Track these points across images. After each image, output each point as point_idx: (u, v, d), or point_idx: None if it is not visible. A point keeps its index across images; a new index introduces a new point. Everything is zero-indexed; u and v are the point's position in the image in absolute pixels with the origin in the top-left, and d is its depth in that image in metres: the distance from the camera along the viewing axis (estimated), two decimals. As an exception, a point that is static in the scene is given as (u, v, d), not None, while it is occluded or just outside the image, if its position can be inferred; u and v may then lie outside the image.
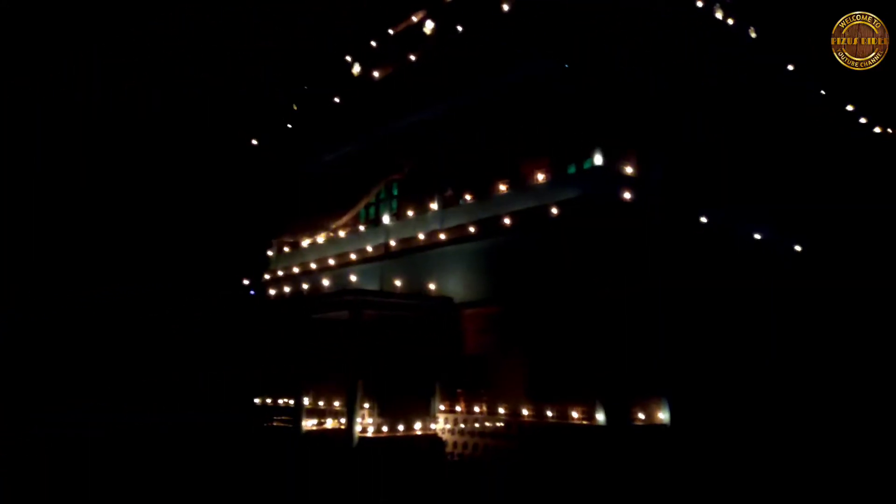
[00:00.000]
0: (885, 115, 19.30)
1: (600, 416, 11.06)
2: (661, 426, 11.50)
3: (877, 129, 18.35)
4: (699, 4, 14.76)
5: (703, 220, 13.18)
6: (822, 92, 17.87)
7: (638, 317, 11.77)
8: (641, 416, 11.49)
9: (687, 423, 11.60)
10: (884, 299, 16.00)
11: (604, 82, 13.19)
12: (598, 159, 12.33)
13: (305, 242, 19.09)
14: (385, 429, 13.33)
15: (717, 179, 14.20)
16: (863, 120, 18.23)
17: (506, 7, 14.49)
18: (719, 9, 15.43)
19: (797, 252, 15.19)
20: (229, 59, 26.20)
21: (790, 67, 16.53)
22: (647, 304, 11.93)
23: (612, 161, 12.49)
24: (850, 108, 18.09)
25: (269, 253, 20.05)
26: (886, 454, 12.39)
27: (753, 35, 16.39)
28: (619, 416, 11.11)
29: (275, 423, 14.77)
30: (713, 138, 14.57)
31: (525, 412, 12.28)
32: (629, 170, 12.71)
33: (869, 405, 14.10)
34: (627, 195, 12.12)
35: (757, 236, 14.29)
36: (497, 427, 12.57)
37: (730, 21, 15.31)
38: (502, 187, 13.99)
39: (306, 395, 14.17)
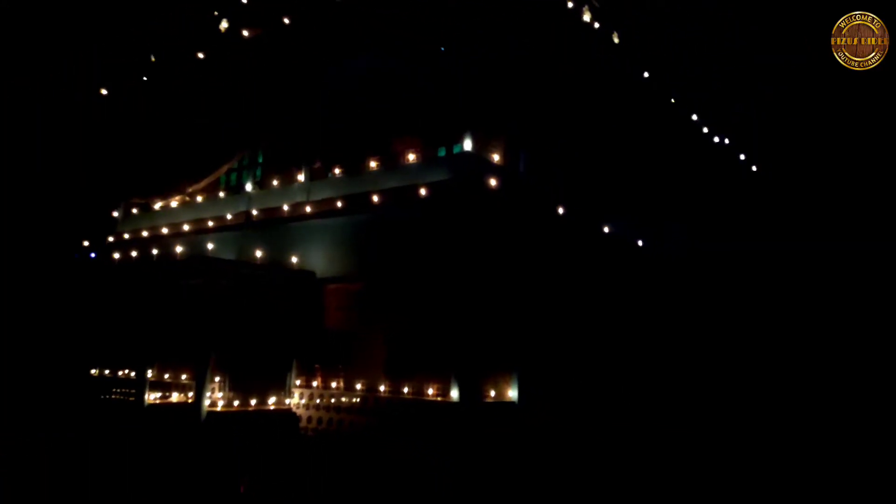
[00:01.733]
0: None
1: (454, 393, 11.45)
2: (511, 403, 12.13)
3: (716, 140, 20.23)
4: (570, 5, 15.45)
5: (561, 210, 13.94)
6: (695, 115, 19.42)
7: (494, 299, 12.29)
8: (493, 393, 12.04)
9: (533, 401, 12.32)
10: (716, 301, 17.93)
11: (480, 71, 13.52)
12: (467, 144, 12.62)
13: (158, 205, 17.88)
14: (237, 403, 12.91)
15: (579, 174, 15.10)
16: (716, 139, 20.05)
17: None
18: (587, 11, 16.27)
19: (640, 246, 16.52)
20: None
21: (646, 75, 17.80)
22: (504, 288, 12.49)
23: (481, 148, 12.85)
24: (705, 129, 19.75)
25: (115, 214, 18.54)
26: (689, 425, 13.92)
27: (616, 40, 17.45)
28: (472, 392, 11.57)
29: (113, 397, 13.80)
30: (578, 136, 15.44)
31: (382, 388, 12.42)
32: (497, 157, 13.14)
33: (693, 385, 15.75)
34: (493, 182, 12.54)
35: (606, 230, 15.35)
36: (353, 402, 12.62)
37: (596, 24, 16.19)
38: (373, 164, 13.92)
39: (150, 368, 13.38)
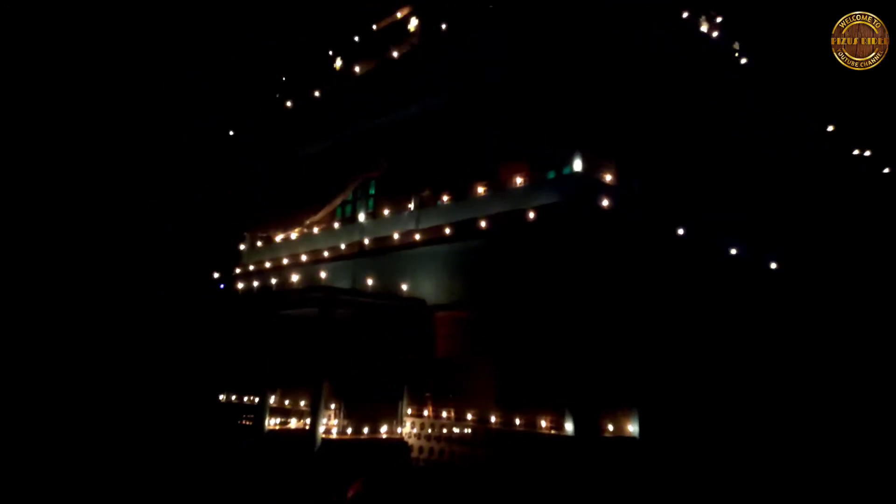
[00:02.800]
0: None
1: (569, 426, 10.86)
2: (631, 438, 11.34)
3: (856, 152, 18.45)
4: (685, 15, 14.69)
5: (681, 231, 13.07)
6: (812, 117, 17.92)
7: (611, 327, 11.62)
8: (611, 427, 11.32)
9: (656, 437, 11.46)
10: (855, 317, 16.11)
11: (587, 88, 13.06)
12: (577, 165, 12.16)
13: (279, 237, 18.70)
14: (350, 430, 13.01)
15: (694, 192, 14.15)
16: (841, 142, 18.33)
17: (491, 5, 14.31)
18: (704, 21, 15.41)
19: (771, 269, 15.17)
20: (210, 51, 25.73)
21: (770, 83, 16.56)
22: (621, 315, 11.79)
23: (592, 168, 12.33)
24: (830, 128, 18.16)
25: (242, 247, 19.61)
26: (857, 466, 12.37)
27: (737, 49, 16.39)
28: (588, 426, 10.92)
29: (238, 422, 14.35)
30: (692, 152, 14.52)
31: (493, 419, 12.04)
32: (608, 178, 12.57)
33: (839, 418, 14.12)
34: (606, 203, 11.97)
35: (733, 251, 14.23)
36: (464, 433, 12.31)
37: (714, 34, 15.28)
38: (480, 189, 13.77)
39: (272, 394, 13.79)
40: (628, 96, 13.32)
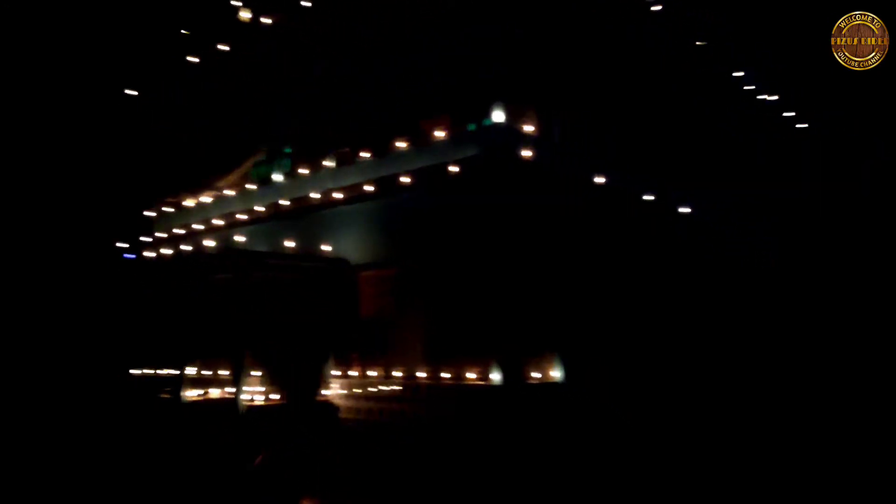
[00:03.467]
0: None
1: (496, 376, 10.96)
2: (554, 383, 11.57)
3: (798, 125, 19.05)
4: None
5: (601, 180, 13.24)
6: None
7: (533, 276, 11.73)
8: (536, 374, 11.50)
9: (579, 380, 11.74)
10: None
11: (504, 39, 12.92)
12: (497, 116, 12.04)
13: (189, 202, 17.78)
14: (275, 396, 12.67)
15: (618, 143, 14.35)
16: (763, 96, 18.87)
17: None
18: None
19: (688, 214, 15.66)
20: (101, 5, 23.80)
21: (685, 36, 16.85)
22: (543, 264, 11.91)
23: (513, 118, 12.25)
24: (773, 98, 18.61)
25: (150, 214, 18.55)
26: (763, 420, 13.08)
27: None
28: (513, 374, 11.09)
29: (153, 395, 13.75)
30: (612, 100, 14.67)
31: (423, 375, 12.01)
32: (529, 127, 12.51)
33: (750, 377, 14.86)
34: (527, 153, 11.94)
35: (648, 197, 14.57)
36: (393, 391, 12.25)
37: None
38: (401, 144, 13.45)
39: (191, 364, 13.27)
40: (547, 43, 13.25)
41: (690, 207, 15.53)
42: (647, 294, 14.00)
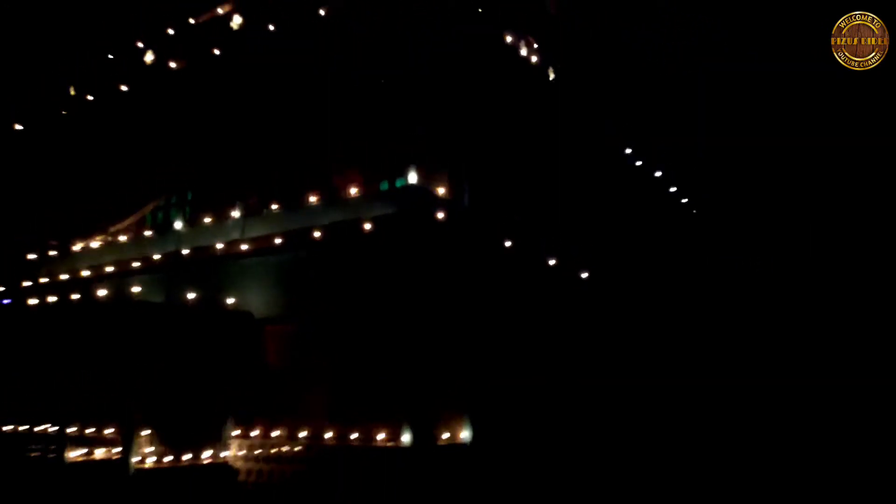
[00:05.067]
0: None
1: (406, 437, 10.93)
2: (463, 445, 11.69)
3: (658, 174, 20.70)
4: (508, 40, 15.55)
5: (508, 243, 13.77)
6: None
7: (443, 336, 11.90)
8: (445, 435, 11.58)
9: (486, 442, 11.92)
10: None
11: (419, 102, 13.32)
12: (412, 177, 12.35)
13: (78, 246, 16.72)
14: (167, 459, 11.94)
15: (521, 206, 15.01)
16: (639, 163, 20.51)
17: (322, 12, 14.06)
18: (524, 46, 16.42)
19: (584, 277, 16.53)
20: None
21: (583, 111, 18.09)
22: (453, 324, 12.13)
23: (426, 181, 12.61)
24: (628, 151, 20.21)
25: (31, 256, 17.21)
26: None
27: (552, 76, 17.69)
28: (423, 436, 11.09)
29: (32, 455, 12.56)
30: (517, 169, 15.40)
31: (329, 435, 11.76)
32: (441, 191, 12.91)
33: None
34: (440, 215, 12.26)
35: (552, 262, 15.28)
36: (296, 452, 11.89)
37: (534, 59, 16.35)
38: (313, 199, 13.44)
39: (73, 422, 12.28)
40: (461, 112, 13.80)
41: (589, 272, 16.43)
42: (552, 353, 14.53)
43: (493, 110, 14.75)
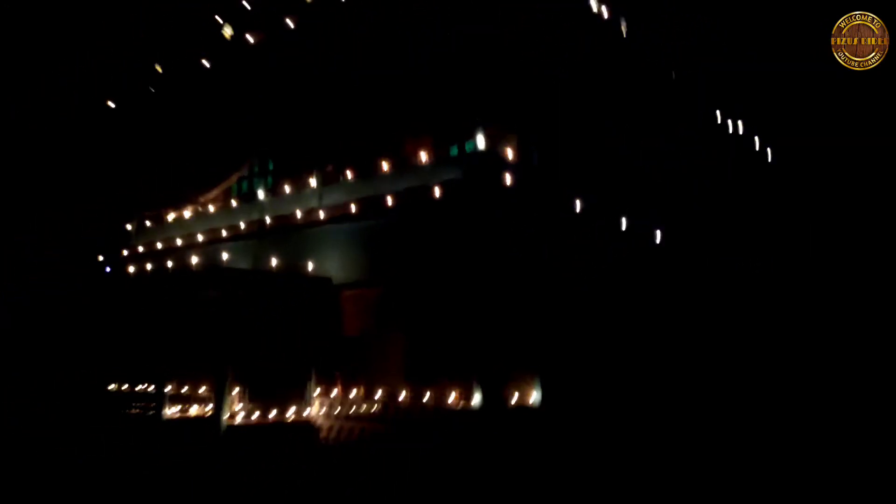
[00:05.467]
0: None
1: (476, 399, 11.17)
2: (533, 408, 11.81)
3: (755, 139, 19.74)
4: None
5: (579, 204, 13.56)
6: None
7: (515, 299, 11.98)
8: (515, 397, 11.74)
9: (556, 405, 11.99)
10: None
11: (486, 66, 13.18)
12: (479, 141, 12.33)
13: (171, 216, 17.78)
14: (256, 415, 12.74)
15: (595, 168, 14.69)
16: (729, 122, 19.54)
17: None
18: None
19: (658, 243, 16.07)
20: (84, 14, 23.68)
21: (660, 63, 17.35)
22: (523, 286, 12.17)
23: (494, 143, 12.55)
24: (718, 113, 19.25)
25: (129, 227, 18.48)
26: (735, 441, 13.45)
27: (625, 28, 17.01)
28: (493, 398, 11.28)
29: (132, 412, 13.70)
30: (588, 129, 15.03)
31: (403, 395, 12.18)
32: (510, 154, 12.81)
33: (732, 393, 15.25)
34: (508, 178, 12.22)
35: (625, 224, 14.94)
36: (374, 411, 12.40)
37: (605, 14, 15.77)
38: (385, 166, 13.68)
39: (170, 382, 13.28)
40: (527, 72, 13.56)
41: (663, 235, 15.96)
42: (625, 315, 14.33)
43: (564, 69, 14.42)
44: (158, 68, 18.37)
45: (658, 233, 16.00)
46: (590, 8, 15.29)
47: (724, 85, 19.74)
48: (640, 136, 16.61)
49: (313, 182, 14.84)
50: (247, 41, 17.01)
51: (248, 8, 17.63)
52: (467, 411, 11.17)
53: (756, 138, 20.65)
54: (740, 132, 19.94)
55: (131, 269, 17.10)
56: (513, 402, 11.70)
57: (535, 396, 11.81)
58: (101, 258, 18.11)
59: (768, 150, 21.24)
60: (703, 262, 17.09)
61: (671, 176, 17.30)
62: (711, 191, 18.49)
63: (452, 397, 11.52)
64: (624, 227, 14.84)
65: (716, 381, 15.29)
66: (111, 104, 18.57)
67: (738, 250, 18.19)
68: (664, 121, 17.51)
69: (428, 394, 11.87)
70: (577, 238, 13.54)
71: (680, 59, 18.34)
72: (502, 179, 12.18)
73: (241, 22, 17.54)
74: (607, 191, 14.85)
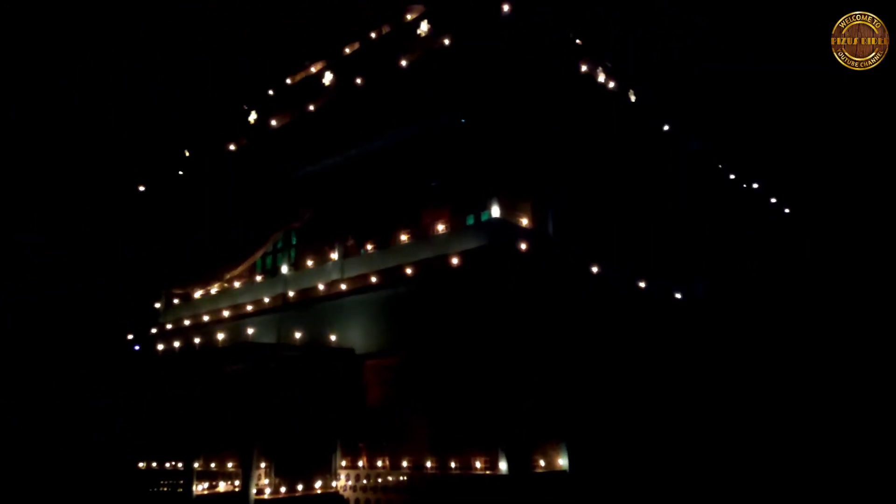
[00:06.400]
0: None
1: (503, 465, 11.15)
2: (561, 472, 11.74)
3: (751, 186, 20.12)
4: (583, 69, 15.79)
5: (595, 269, 13.83)
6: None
7: (536, 366, 12.09)
8: (542, 462, 11.69)
9: (584, 469, 11.91)
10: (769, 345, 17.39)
11: (499, 137, 13.75)
12: (495, 211, 12.73)
13: (198, 294, 18.27)
14: (283, 489, 12.76)
15: (608, 231, 15.04)
16: (732, 176, 19.99)
17: (404, 63, 14.89)
18: (602, 72, 16.59)
19: (677, 299, 16.22)
20: (122, 103, 25.11)
21: (666, 128, 17.92)
22: (545, 352, 12.30)
23: (509, 213, 12.95)
24: (720, 165, 19.76)
25: (157, 305, 18.98)
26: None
27: (633, 98, 17.70)
28: (520, 463, 11.25)
29: (161, 489, 13.75)
30: (601, 194, 15.48)
31: (429, 464, 12.17)
32: (525, 222, 13.21)
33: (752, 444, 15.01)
34: (524, 246, 12.55)
35: (641, 284, 15.14)
36: (400, 481, 12.36)
37: (611, 84, 16.48)
38: (403, 237, 14.11)
39: (197, 458, 13.36)
40: (541, 143, 14.12)
41: (682, 294, 16.11)
42: (649, 380, 14.32)
43: (574, 139, 14.99)
44: (186, 153, 19.28)
45: (678, 293, 16.19)
46: (598, 79, 16.01)
47: (735, 147, 20.27)
48: (655, 199, 17.03)
49: (334, 255, 15.28)
50: (270, 125, 17.87)
51: (271, 94, 18.62)
52: (495, 477, 11.13)
53: (772, 199, 21.03)
54: (755, 191, 20.32)
55: (160, 346, 17.46)
56: (541, 466, 11.64)
57: (563, 461, 11.77)
58: (130, 336, 18.54)
59: (785, 209, 21.59)
60: (730, 319, 17.13)
61: (690, 237, 17.60)
62: (732, 248, 18.73)
63: (479, 464, 11.49)
64: (643, 288, 15.05)
65: (747, 445, 15.08)
66: (142, 188, 19.41)
67: (760, 306, 18.22)
68: (679, 184, 17.95)
69: (454, 462, 11.85)
70: (597, 302, 13.73)
71: (689, 124, 18.95)
72: (518, 247, 12.51)
73: (265, 108, 18.49)
74: (624, 254, 15.13)
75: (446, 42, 14.10)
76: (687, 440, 14.17)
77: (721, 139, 19.97)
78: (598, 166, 15.51)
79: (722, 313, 17.01)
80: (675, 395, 14.58)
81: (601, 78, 16.09)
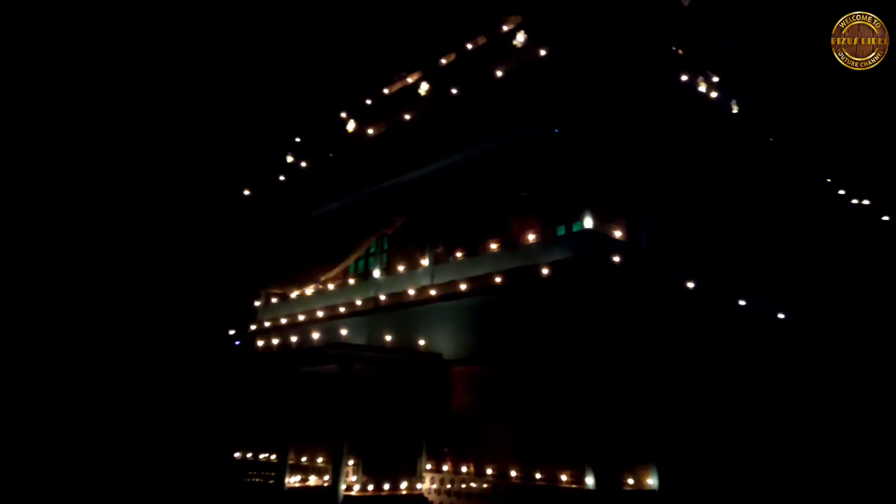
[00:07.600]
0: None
1: (590, 480, 11.00)
2: (651, 492, 11.46)
3: (855, 201, 18.99)
4: (683, 78, 15.40)
5: (690, 284, 13.43)
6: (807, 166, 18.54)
7: (627, 381, 11.86)
8: (631, 481, 11.46)
9: (675, 490, 11.58)
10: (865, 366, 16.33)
11: (593, 148, 13.61)
12: (587, 222, 12.60)
13: (294, 294, 19.07)
14: (371, 487, 13.13)
15: (705, 246, 14.57)
16: (842, 192, 18.89)
17: (499, 73, 15.03)
18: (702, 82, 16.13)
19: (780, 319, 15.48)
20: (225, 112, 26.65)
21: (771, 139, 17.19)
22: (636, 368, 12.05)
23: (601, 224, 12.77)
24: (829, 180, 18.74)
25: (257, 303, 19.97)
26: None
27: (735, 109, 17.08)
28: (608, 480, 11.06)
29: (255, 479, 14.43)
30: (698, 207, 15.01)
31: (513, 473, 12.17)
32: (618, 234, 13.00)
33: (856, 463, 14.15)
34: (616, 259, 12.36)
35: (742, 302, 14.56)
36: (484, 488, 12.43)
37: (713, 94, 15.98)
38: (493, 246, 14.20)
39: (290, 451, 13.93)
40: (636, 154, 13.87)
41: (786, 314, 15.35)
42: (744, 401, 13.75)
43: (671, 149, 14.63)
44: (289, 158, 20.20)
45: (780, 312, 15.45)
46: (699, 89, 15.57)
47: (841, 159, 19.18)
48: (757, 214, 16.35)
49: (425, 261, 15.57)
50: (367, 134, 18.45)
51: (369, 104, 19.24)
52: (582, 492, 11.00)
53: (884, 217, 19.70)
54: (864, 205, 19.11)
55: (259, 342, 18.35)
56: (629, 484, 11.41)
57: (651, 481, 11.49)
58: (231, 332, 19.59)
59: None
60: (830, 339, 16.20)
61: (789, 252, 16.78)
62: (834, 265, 17.70)
63: (564, 477, 11.40)
64: (742, 305, 14.47)
65: (844, 464, 14.21)
66: (247, 192, 20.49)
67: (866, 327, 17.12)
68: (782, 199, 17.17)
69: (539, 473, 11.80)
70: (690, 319, 13.32)
71: (793, 134, 18.12)
72: (611, 259, 12.33)
73: (363, 117, 19.12)
74: (722, 269, 14.60)
75: (542, 53, 14.10)
76: (783, 474, 13.49)
77: (828, 152, 18.94)
78: (695, 176, 15.05)
79: (827, 334, 16.08)
80: (772, 426, 13.93)
81: (702, 88, 15.62)
